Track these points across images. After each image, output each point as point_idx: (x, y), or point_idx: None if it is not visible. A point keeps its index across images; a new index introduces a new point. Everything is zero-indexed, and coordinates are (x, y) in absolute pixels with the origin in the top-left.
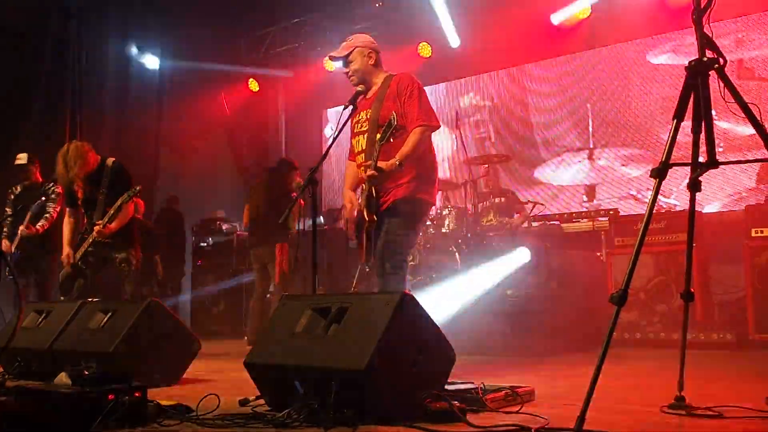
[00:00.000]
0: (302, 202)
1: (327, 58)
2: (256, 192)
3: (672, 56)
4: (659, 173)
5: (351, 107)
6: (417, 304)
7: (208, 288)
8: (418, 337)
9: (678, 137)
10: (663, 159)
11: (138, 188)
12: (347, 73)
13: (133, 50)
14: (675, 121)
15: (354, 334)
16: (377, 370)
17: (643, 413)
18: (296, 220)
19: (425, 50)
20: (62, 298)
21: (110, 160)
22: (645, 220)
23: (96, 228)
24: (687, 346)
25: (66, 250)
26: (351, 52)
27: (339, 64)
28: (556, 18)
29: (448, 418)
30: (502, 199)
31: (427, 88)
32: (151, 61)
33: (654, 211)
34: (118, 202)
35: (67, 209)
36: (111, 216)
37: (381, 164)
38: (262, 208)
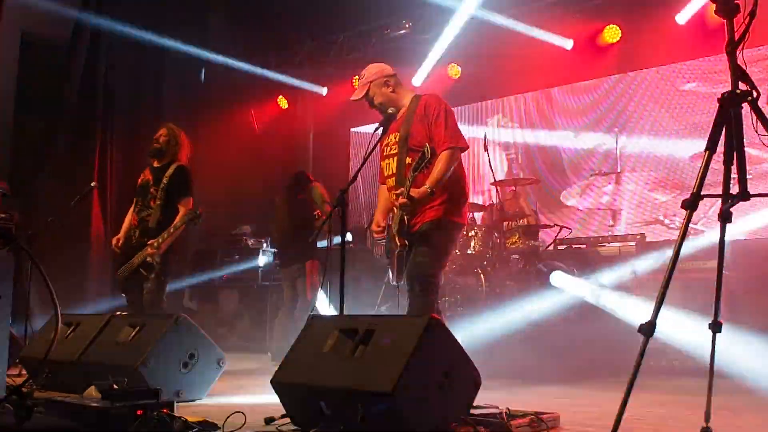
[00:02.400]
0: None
1: (351, 100)
2: (279, 210)
3: (700, 83)
4: (690, 205)
5: (381, 129)
6: (444, 327)
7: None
8: (444, 360)
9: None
10: (694, 190)
11: (199, 212)
12: (374, 108)
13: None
14: (707, 152)
15: (381, 357)
16: (404, 392)
17: None
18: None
19: (454, 71)
20: (124, 295)
21: (180, 162)
22: (675, 251)
23: (150, 251)
24: (714, 375)
25: (117, 236)
26: (368, 90)
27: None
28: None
29: None
30: (525, 221)
31: (455, 109)
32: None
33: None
34: (175, 222)
35: (135, 199)
36: (164, 236)
37: (413, 192)
38: (287, 226)
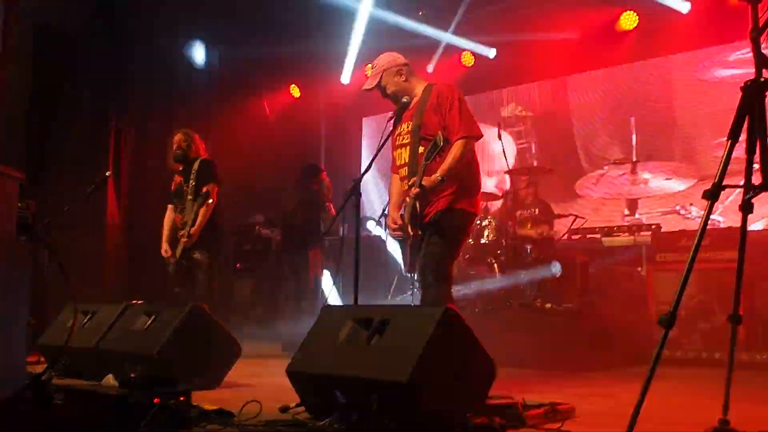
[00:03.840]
0: (333, 210)
1: (363, 90)
2: (289, 200)
3: (719, 70)
4: (712, 195)
5: (395, 119)
6: (459, 318)
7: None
8: (459, 350)
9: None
10: (716, 181)
11: (209, 192)
12: (387, 98)
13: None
14: (729, 142)
15: (396, 347)
16: (419, 382)
17: None
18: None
19: (468, 59)
20: (176, 290)
21: (203, 157)
22: (696, 242)
23: (183, 240)
24: (733, 367)
25: (164, 246)
26: (380, 79)
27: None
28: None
29: None
30: (537, 210)
31: (468, 98)
32: (199, 61)
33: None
34: (195, 209)
35: (168, 206)
36: (192, 223)
37: (425, 181)
38: (296, 216)
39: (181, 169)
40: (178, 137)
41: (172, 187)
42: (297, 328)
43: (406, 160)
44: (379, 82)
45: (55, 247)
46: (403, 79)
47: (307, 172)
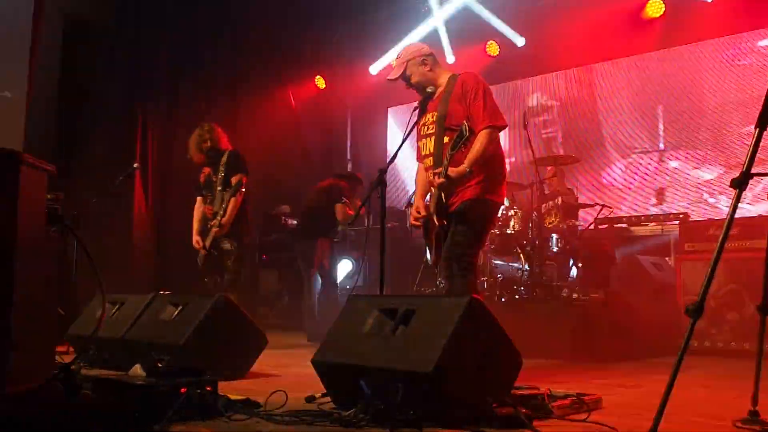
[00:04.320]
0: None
1: (387, 80)
2: (315, 191)
3: (747, 57)
4: (740, 183)
5: (419, 109)
6: (485, 308)
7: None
8: (485, 341)
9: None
10: (744, 169)
11: (242, 181)
12: (410, 87)
13: None
14: (758, 129)
15: (421, 337)
16: (444, 373)
17: (715, 427)
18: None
19: (493, 49)
20: (206, 279)
21: (231, 148)
22: (724, 231)
23: (214, 230)
24: (762, 358)
25: (195, 237)
26: (405, 69)
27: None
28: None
29: (514, 424)
30: (559, 200)
31: (494, 87)
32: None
33: (725, 220)
34: (226, 198)
35: (197, 198)
36: (222, 213)
37: (451, 171)
38: (314, 204)
39: (205, 161)
40: (201, 132)
41: (201, 179)
42: (322, 317)
43: (431, 150)
44: (404, 72)
45: (83, 238)
46: (428, 68)
47: (351, 177)
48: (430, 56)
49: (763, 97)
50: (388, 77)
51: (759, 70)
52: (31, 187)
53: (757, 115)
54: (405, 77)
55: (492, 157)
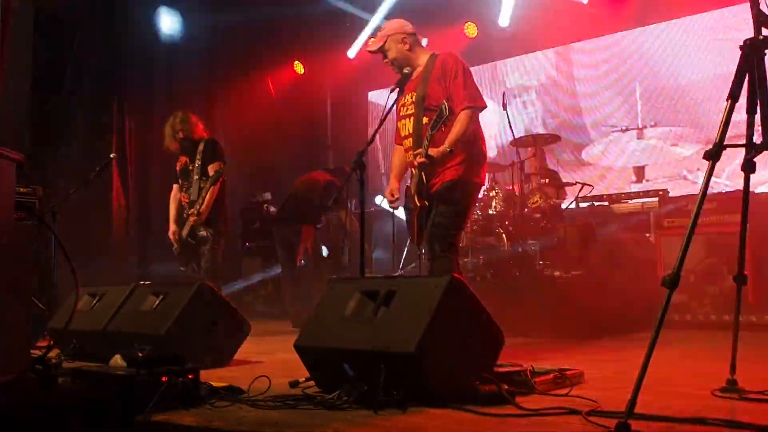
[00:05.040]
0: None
1: (367, 50)
2: (307, 182)
3: (723, 33)
4: (713, 155)
5: (397, 90)
6: (466, 287)
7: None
8: (467, 319)
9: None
10: (717, 140)
11: (221, 170)
12: (386, 63)
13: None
14: (729, 102)
15: (403, 317)
16: (426, 352)
17: (695, 397)
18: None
19: (471, 30)
20: (182, 269)
21: (206, 136)
22: (698, 202)
23: (192, 219)
24: (739, 329)
25: (172, 227)
26: (384, 43)
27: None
28: None
29: (497, 400)
30: (544, 180)
31: (473, 69)
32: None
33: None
34: (205, 188)
35: (174, 186)
36: (200, 201)
37: (431, 151)
38: (302, 195)
39: (181, 150)
40: (173, 123)
41: (177, 168)
42: (307, 303)
43: (410, 131)
44: (383, 45)
45: (60, 230)
46: (407, 47)
47: (335, 170)
48: (412, 35)
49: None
50: (367, 48)
51: (735, 46)
52: None
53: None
54: (383, 50)
55: (472, 138)
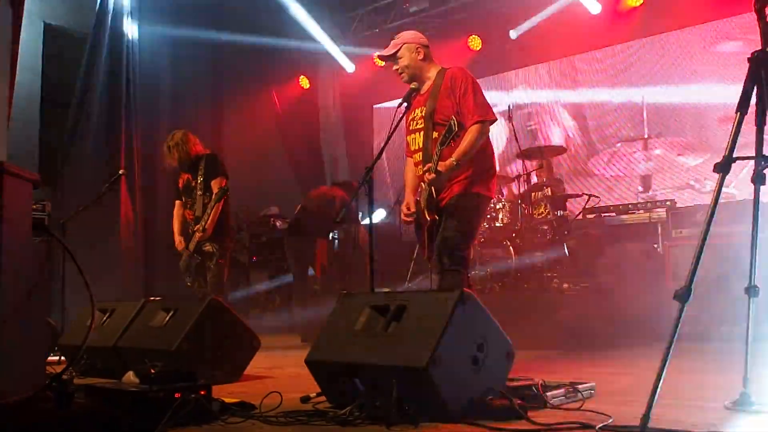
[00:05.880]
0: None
1: (376, 56)
2: (320, 196)
3: (727, 43)
4: (723, 168)
5: (405, 105)
6: (476, 300)
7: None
8: (477, 334)
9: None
10: (726, 153)
11: (226, 187)
12: (397, 70)
13: None
14: (738, 114)
15: (414, 332)
16: (438, 367)
17: (708, 410)
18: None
19: (475, 43)
20: (189, 284)
21: (207, 152)
22: (708, 216)
23: (197, 235)
24: (751, 340)
25: (178, 238)
26: (399, 49)
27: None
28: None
29: (509, 415)
30: (550, 191)
31: (477, 81)
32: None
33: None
34: (211, 203)
35: (176, 201)
36: (206, 217)
37: (440, 166)
38: (316, 209)
39: (183, 167)
40: (170, 144)
41: (180, 185)
42: (315, 317)
43: (420, 146)
44: (397, 51)
45: (70, 246)
46: (421, 57)
47: (342, 184)
48: (426, 47)
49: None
50: (381, 53)
51: (738, 56)
52: (15, 197)
53: (738, 100)
54: (396, 57)
55: (482, 152)
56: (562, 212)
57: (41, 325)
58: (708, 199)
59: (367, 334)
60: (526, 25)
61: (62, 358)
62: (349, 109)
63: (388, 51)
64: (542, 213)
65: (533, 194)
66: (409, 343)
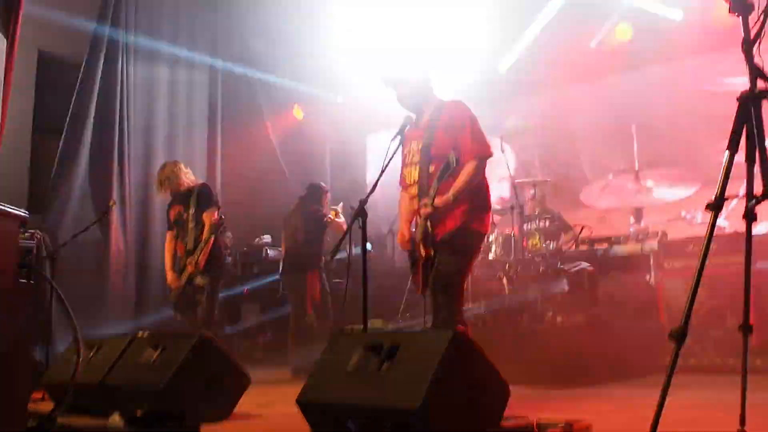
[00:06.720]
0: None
1: (380, 78)
2: (290, 220)
3: (716, 76)
4: (715, 207)
5: (399, 138)
6: (470, 340)
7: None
8: (471, 373)
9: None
10: (717, 193)
11: (218, 221)
12: (399, 95)
13: None
14: (728, 153)
15: (407, 372)
16: (431, 408)
17: None
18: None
19: (468, 74)
20: (179, 317)
21: (199, 183)
22: (702, 256)
23: (189, 269)
24: (747, 378)
25: (170, 274)
26: (405, 74)
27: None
28: (597, 40)
29: None
30: (547, 223)
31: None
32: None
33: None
34: (204, 236)
35: (167, 233)
36: (198, 251)
37: (437, 201)
38: (298, 237)
39: (175, 198)
40: (162, 177)
41: (172, 217)
42: (306, 352)
43: (416, 179)
44: (403, 76)
45: (59, 278)
46: (424, 86)
47: (309, 192)
48: (429, 78)
49: (733, 115)
50: (386, 75)
51: (727, 88)
52: (1, 235)
53: (728, 131)
54: (404, 80)
55: (477, 187)
56: (555, 244)
57: (27, 367)
58: (699, 231)
59: (360, 374)
60: (515, 57)
61: (45, 396)
62: (343, 139)
63: (394, 74)
64: (535, 244)
65: (526, 226)
66: (402, 384)
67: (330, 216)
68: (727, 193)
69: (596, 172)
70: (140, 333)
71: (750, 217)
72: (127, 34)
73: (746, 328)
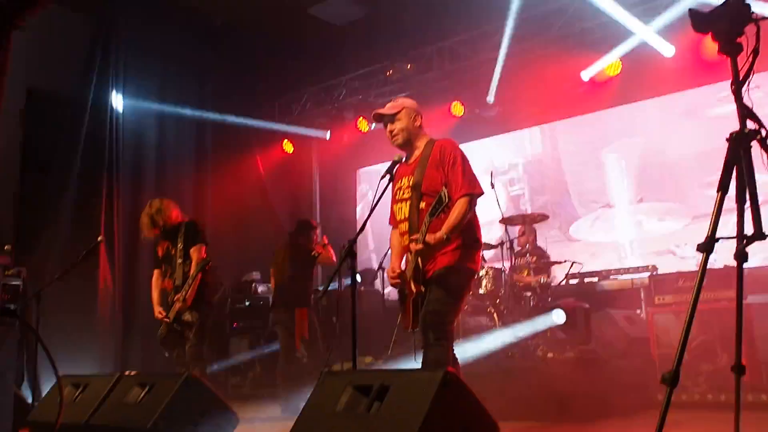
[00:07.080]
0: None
1: (373, 114)
2: (279, 256)
3: (706, 109)
4: (706, 248)
5: (388, 177)
6: (460, 381)
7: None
8: (461, 415)
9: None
10: (709, 234)
11: (207, 258)
12: (391, 131)
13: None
14: (719, 194)
15: (397, 414)
16: None
17: None
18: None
19: (457, 109)
20: (167, 354)
21: (187, 219)
22: (693, 298)
23: (177, 305)
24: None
25: (156, 308)
26: (399, 111)
27: (375, 124)
28: (587, 74)
29: None
30: (534, 258)
31: (460, 147)
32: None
33: (693, 271)
34: (192, 273)
35: (155, 270)
36: (186, 287)
37: (429, 238)
38: (286, 273)
39: (161, 235)
40: (150, 213)
41: (159, 253)
42: (296, 388)
43: (406, 215)
44: (396, 113)
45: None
46: (417, 124)
47: (298, 227)
48: (420, 117)
49: (724, 149)
50: (380, 111)
51: (718, 122)
52: None
53: (717, 165)
54: (393, 118)
55: (468, 224)
56: (545, 278)
57: (8, 409)
58: (689, 265)
59: (349, 415)
60: (505, 92)
61: None
62: (333, 173)
63: (387, 111)
64: (526, 276)
65: (516, 261)
66: (391, 425)
67: (316, 251)
68: (718, 234)
69: (586, 206)
70: (127, 372)
71: (741, 258)
72: (117, 71)
73: (739, 369)
